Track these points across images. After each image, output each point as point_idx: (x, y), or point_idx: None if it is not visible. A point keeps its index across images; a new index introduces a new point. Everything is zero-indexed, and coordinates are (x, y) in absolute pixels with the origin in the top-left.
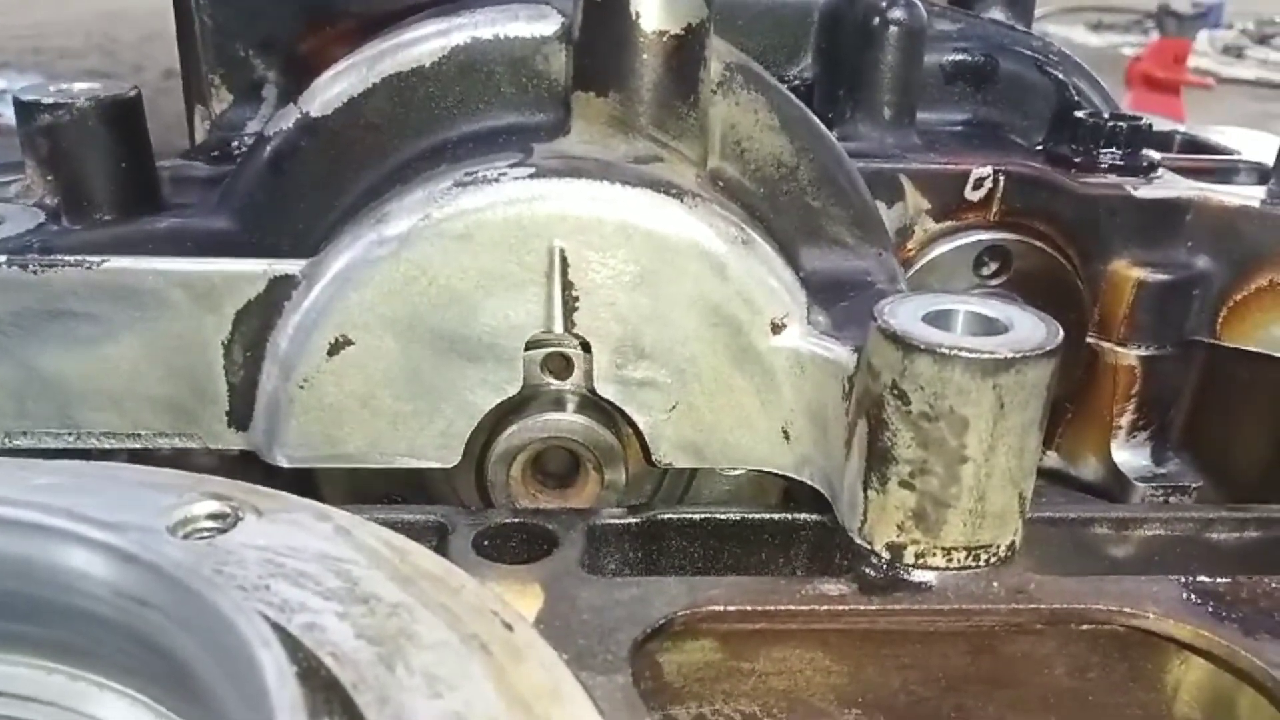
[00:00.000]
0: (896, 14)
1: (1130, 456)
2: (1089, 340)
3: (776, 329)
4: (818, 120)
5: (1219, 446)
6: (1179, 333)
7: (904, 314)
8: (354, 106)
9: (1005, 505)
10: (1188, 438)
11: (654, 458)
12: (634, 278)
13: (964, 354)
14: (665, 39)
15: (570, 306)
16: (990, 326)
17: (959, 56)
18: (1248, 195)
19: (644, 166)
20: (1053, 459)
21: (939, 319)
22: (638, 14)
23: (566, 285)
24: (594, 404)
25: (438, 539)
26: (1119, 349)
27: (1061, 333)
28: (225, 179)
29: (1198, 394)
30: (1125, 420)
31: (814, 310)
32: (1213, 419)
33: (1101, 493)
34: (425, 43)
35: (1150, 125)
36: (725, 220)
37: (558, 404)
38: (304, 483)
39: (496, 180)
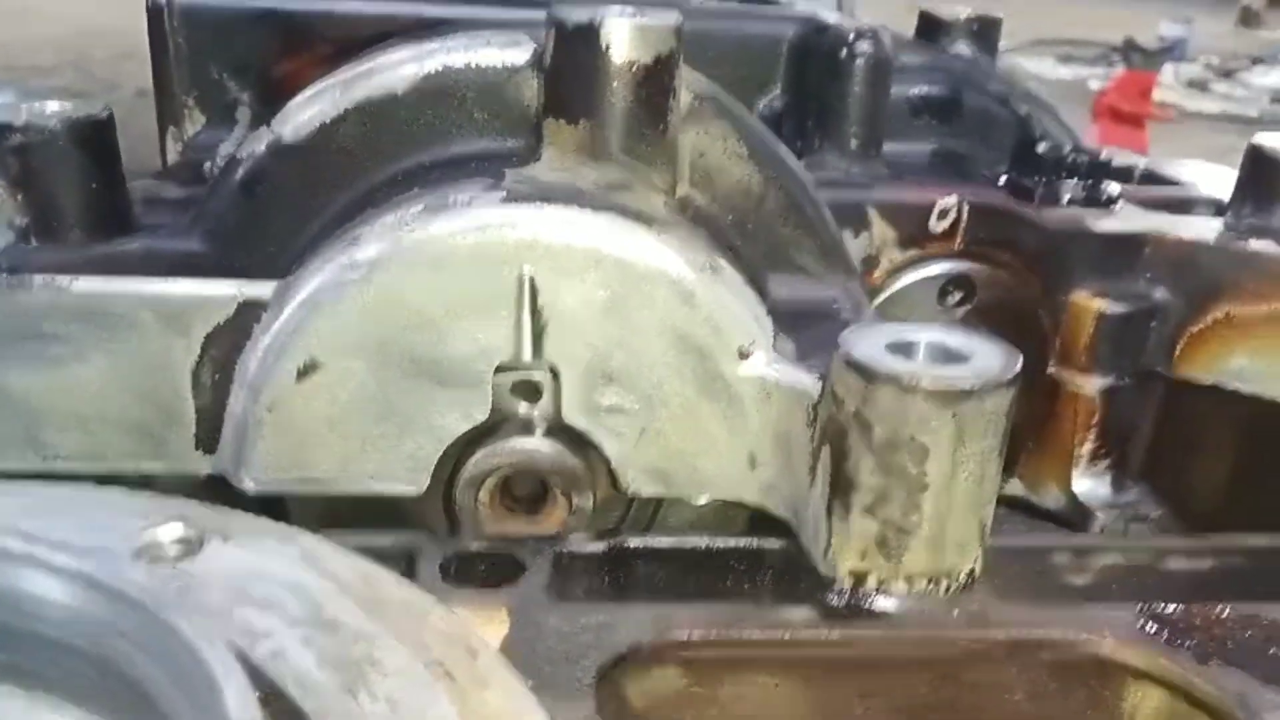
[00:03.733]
0: (863, 47)
1: (1091, 485)
2: (1050, 370)
3: (743, 356)
4: (786, 151)
5: (1179, 476)
6: (1137, 363)
7: (867, 343)
8: (327, 131)
9: (966, 533)
10: (1149, 467)
11: (621, 484)
12: (602, 304)
13: (924, 383)
14: (635, 69)
15: (539, 332)
16: (951, 356)
17: (925, 89)
18: (1205, 229)
19: (614, 193)
20: (1015, 487)
21: (901, 349)
22: (608, 45)
23: (535, 311)
24: (563, 430)
25: (405, 564)
26: (1080, 379)
27: (1020, 363)
28: (197, 200)
29: (1159, 425)
30: (1086, 449)
31: (780, 338)
32: (1173, 449)
33: (1063, 521)
34: (398, 69)
35: (1110, 159)
36: (694, 248)
37: (526, 429)
38: (273, 506)
39: (468, 205)
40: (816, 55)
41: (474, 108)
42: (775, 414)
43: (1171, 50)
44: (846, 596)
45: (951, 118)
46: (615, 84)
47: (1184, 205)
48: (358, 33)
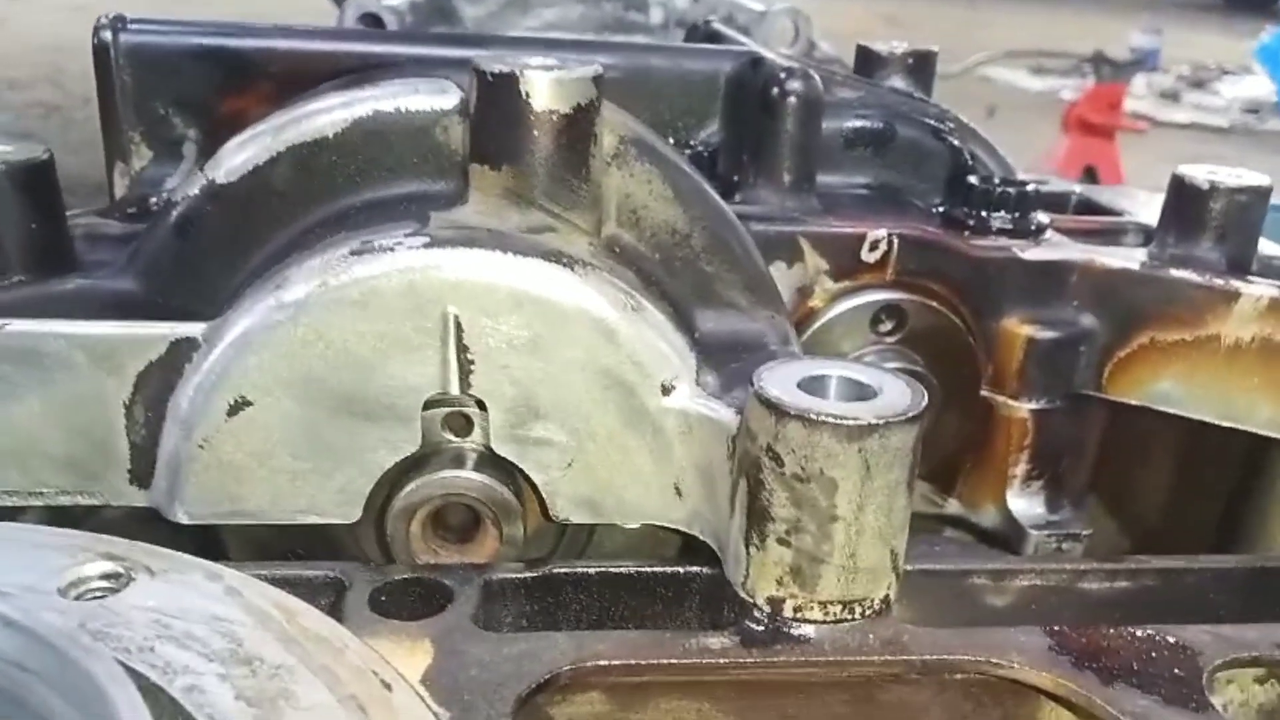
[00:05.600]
0: (794, 85)
1: (1025, 505)
2: (984, 394)
3: (666, 391)
4: (711, 190)
5: (1123, 493)
6: (1068, 387)
7: (780, 380)
8: (258, 174)
9: (877, 561)
10: (1095, 482)
11: (551, 513)
12: (527, 342)
13: (830, 420)
14: (555, 118)
15: (465, 369)
16: (861, 392)
17: (859, 123)
18: (1129, 257)
19: (537, 236)
20: (955, 506)
21: (813, 384)
22: (528, 95)
23: (461, 349)
24: (493, 461)
25: (335, 595)
26: (1012, 402)
27: (926, 399)
28: (138, 237)
29: (1103, 444)
30: (1019, 470)
31: (704, 371)
32: (1116, 467)
33: (1000, 539)
34: (329, 114)
35: (1037, 190)
36: (615, 287)
37: (457, 461)
38: (210, 538)
39: (391, 249)
40: (750, 92)
41: (403, 151)
42: (698, 446)
43: (1142, 62)
44: (765, 623)
45: (886, 150)
46: (535, 132)
47: (1114, 233)
48: (301, 70)
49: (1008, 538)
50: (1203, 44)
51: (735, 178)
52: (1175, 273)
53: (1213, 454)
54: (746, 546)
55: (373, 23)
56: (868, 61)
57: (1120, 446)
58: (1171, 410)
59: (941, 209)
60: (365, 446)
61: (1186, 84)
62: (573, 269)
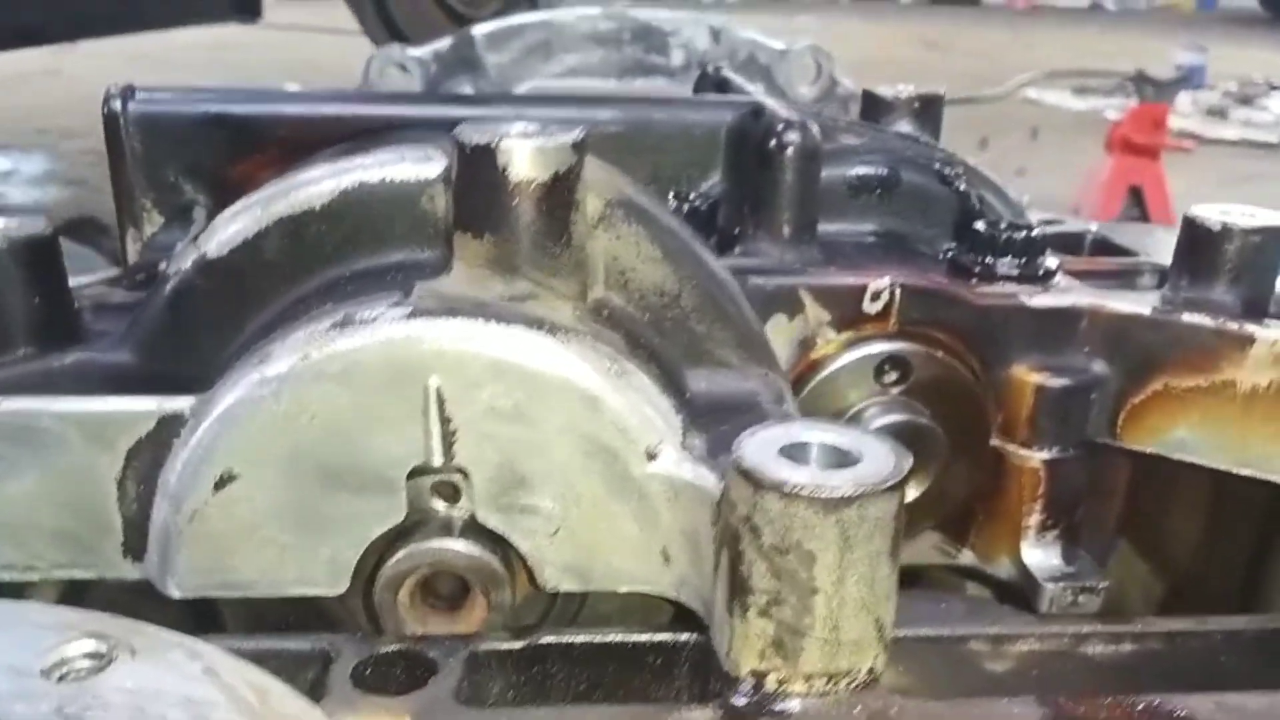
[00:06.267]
0: (791, 137)
1: (1040, 556)
2: (994, 443)
3: (651, 456)
4: (702, 247)
5: (1153, 538)
6: (1080, 435)
7: (760, 446)
8: (249, 246)
9: (861, 633)
10: (1126, 530)
11: (539, 581)
12: (509, 411)
13: (806, 492)
14: (533, 186)
15: (449, 439)
16: (842, 459)
17: (863, 170)
18: (1140, 301)
19: (519, 304)
20: (969, 557)
21: (794, 451)
22: (506, 165)
23: (444, 419)
24: (480, 529)
25: (321, 668)
26: (1023, 451)
27: (908, 465)
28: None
29: (1130, 489)
30: (1033, 521)
31: (691, 435)
32: (1146, 512)
33: (1016, 591)
34: (316, 185)
35: (1044, 234)
36: (598, 353)
37: (445, 530)
38: (206, 608)
39: (373, 321)
40: (751, 143)
41: (390, 221)
42: (684, 512)
43: (1186, 80)
44: (750, 696)
45: (891, 197)
46: (515, 201)
47: (1130, 275)
48: (307, 134)
49: (1022, 590)
50: (1249, 59)
51: (736, 230)
52: (1187, 318)
53: (1241, 500)
54: (730, 617)
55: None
56: (874, 106)
57: (1149, 491)
58: (1188, 459)
59: (949, 256)
60: (351, 517)
61: (1234, 100)
62: (555, 336)
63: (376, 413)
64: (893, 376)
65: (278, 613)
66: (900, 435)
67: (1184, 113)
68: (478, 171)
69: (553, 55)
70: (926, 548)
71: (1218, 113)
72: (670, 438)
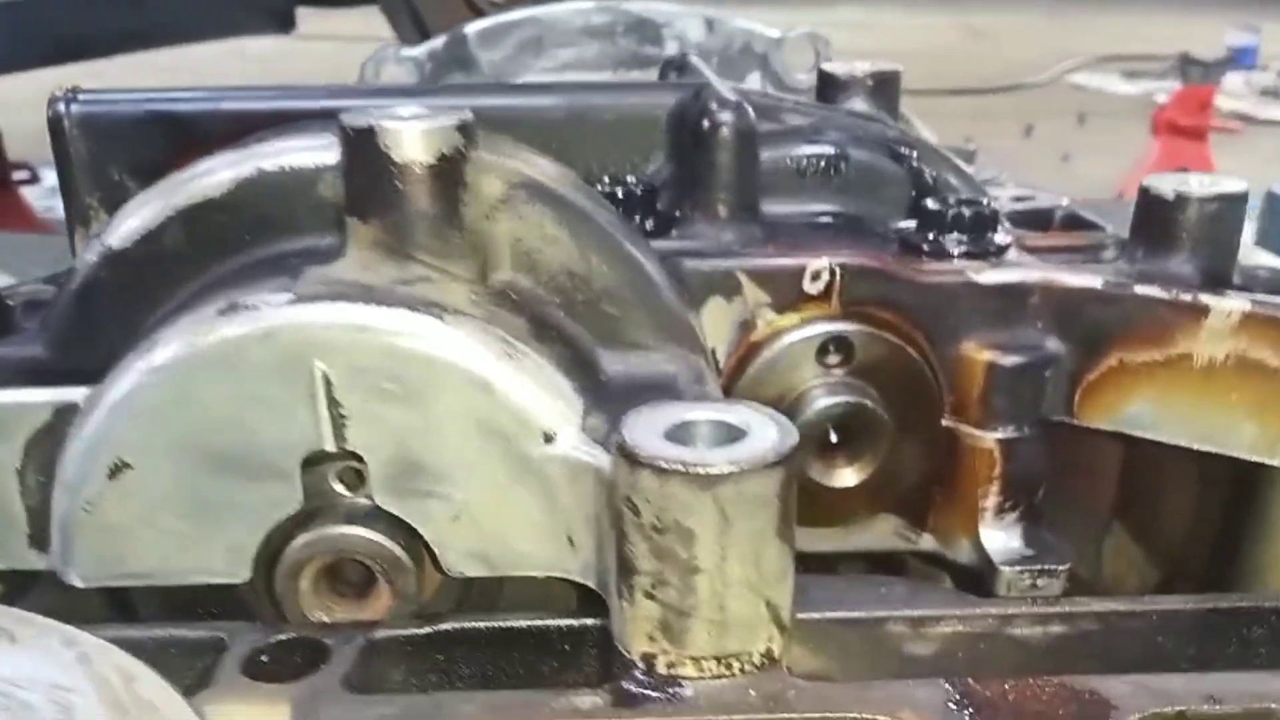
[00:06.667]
0: (724, 117)
1: (999, 539)
2: (948, 424)
3: (548, 438)
4: (621, 230)
5: (1146, 521)
6: (1035, 414)
7: (647, 425)
8: (150, 238)
9: (751, 614)
10: (1121, 512)
11: (443, 567)
12: (399, 395)
13: (681, 468)
14: (419, 169)
15: (339, 424)
16: (729, 435)
17: (811, 150)
18: (1094, 275)
19: (408, 288)
20: (929, 541)
21: (680, 430)
22: (388, 147)
23: (333, 404)
24: (383, 516)
25: (215, 656)
26: (976, 432)
27: (793, 440)
28: None
29: (1125, 468)
30: (990, 503)
31: (594, 416)
32: (1141, 491)
33: (974, 574)
34: (215, 174)
35: (994, 210)
36: (490, 335)
37: (346, 517)
38: (120, 594)
39: (256, 308)
40: (686, 126)
41: (288, 208)
42: (584, 495)
43: (1233, 61)
44: (639, 680)
45: (840, 176)
46: (402, 184)
47: (1094, 249)
48: (245, 129)
49: (982, 573)
50: None
51: (677, 212)
52: (1140, 289)
53: (1216, 476)
54: (619, 599)
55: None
56: (827, 85)
57: (1142, 471)
58: (1148, 436)
59: (899, 235)
60: (247, 505)
61: None
62: (443, 318)
63: (263, 399)
64: (836, 358)
65: (195, 602)
66: (842, 417)
67: (1236, 94)
68: (363, 155)
69: (545, 51)
70: (886, 532)
71: (1271, 93)
72: (569, 420)
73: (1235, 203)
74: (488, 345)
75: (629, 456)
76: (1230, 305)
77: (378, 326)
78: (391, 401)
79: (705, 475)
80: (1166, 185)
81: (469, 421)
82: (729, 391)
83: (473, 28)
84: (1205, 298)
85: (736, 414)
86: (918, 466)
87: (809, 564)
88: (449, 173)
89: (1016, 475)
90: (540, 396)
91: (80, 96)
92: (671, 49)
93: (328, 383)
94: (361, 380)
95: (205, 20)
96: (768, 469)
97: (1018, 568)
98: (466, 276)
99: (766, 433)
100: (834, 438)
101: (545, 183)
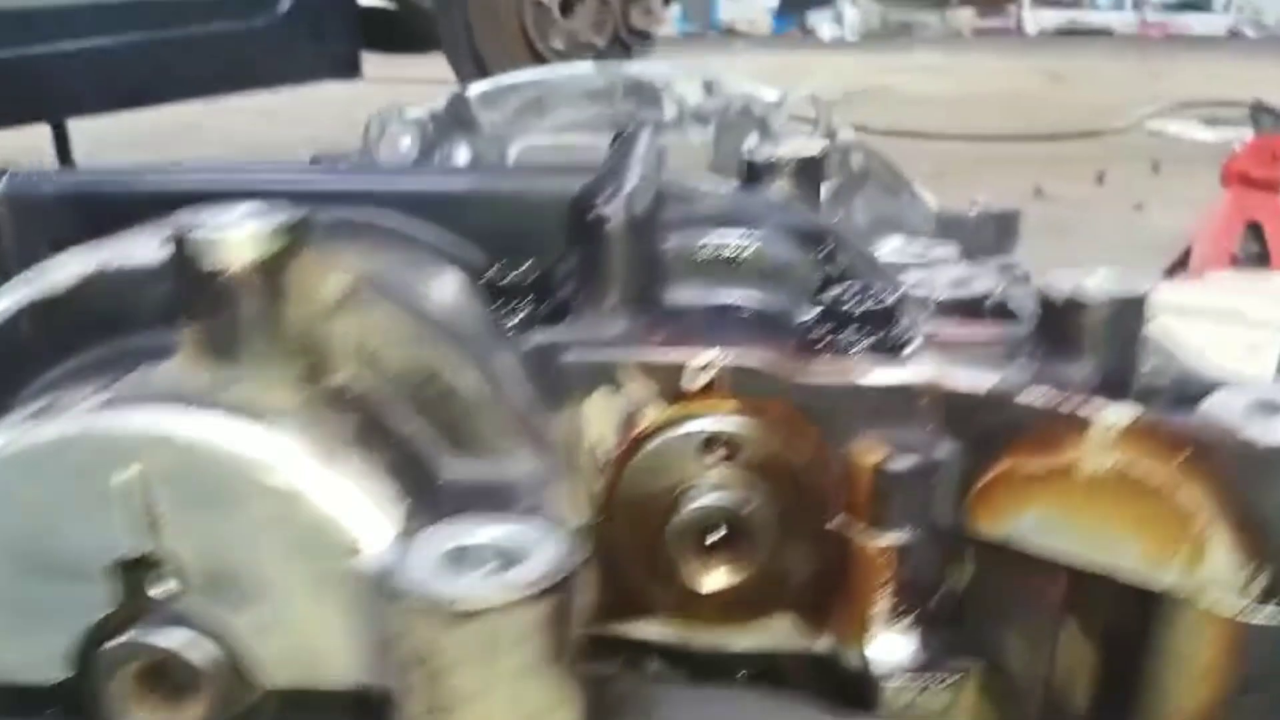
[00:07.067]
0: (611, 209)
1: (885, 648)
2: (839, 524)
3: (354, 551)
4: (466, 326)
5: (1098, 616)
6: (926, 520)
7: (423, 550)
8: (5, 329)
9: None
10: (1074, 608)
11: (256, 678)
12: (208, 502)
13: (424, 603)
14: (237, 272)
15: (153, 528)
16: (507, 559)
17: (717, 239)
18: (983, 378)
19: (225, 391)
20: (827, 644)
21: (460, 554)
22: (206, 252)
23: (146, 509)
24: (200, 621)
25: None
26: (865, 535)
27: (573, 563)
28: None
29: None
30: (881, 608)
31: (418, 524)
32: (1091, 585)
33: (865, 684)
34: (65, 268)
35: (899, 304)
36: (306, 440)
37: (163, 620)
38: None
39: (68, 411)
40: (579, 213)
41: (132, 305)
42: None
43: None
44: None
45: (747, 266)
46: (220, 287)
47: (1015, 345)
48: (165, 207)
49: (870, 683)
50: None
51: (571, 302)
52: (1024, 397)
53: None
54: None
55: None
56: (749, 171)
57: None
58: (1039, 550)
59: (801, 328)
60: (62, 606)
61: None
62: (255, 422)
63: (75, 502)
64: (719, 455)
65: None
66: (721, 517)
67: None
68: (186, 258)
69: (546, 111)
70: (783, 632)
71: None
72: (381, 531)
73: (1133, 306)
74: (301, 451)
75: (383, 586)
76: (1112, 417)
77: (184, 431)
78: (202, 508)
79: (451, 613)
80: (1060, 288)
81: (277, 530)
82: (614, 487)
83: (474, 90)
84: (1087, 408)
85: (521, 535)
86: (806, 567)
87: (704, 663)
88: (269, 277)
89: (907, 581)
90: (353, 506)
91: (14, 176)
92: (670, 111)
93: (138, 487)
94: (172, 486)
95: (274, 67)
96: (529, 601)
97: (899, 681)
98: (293, 378)
99: (543, 557)
100: (714, 537)
101: (393, 281)
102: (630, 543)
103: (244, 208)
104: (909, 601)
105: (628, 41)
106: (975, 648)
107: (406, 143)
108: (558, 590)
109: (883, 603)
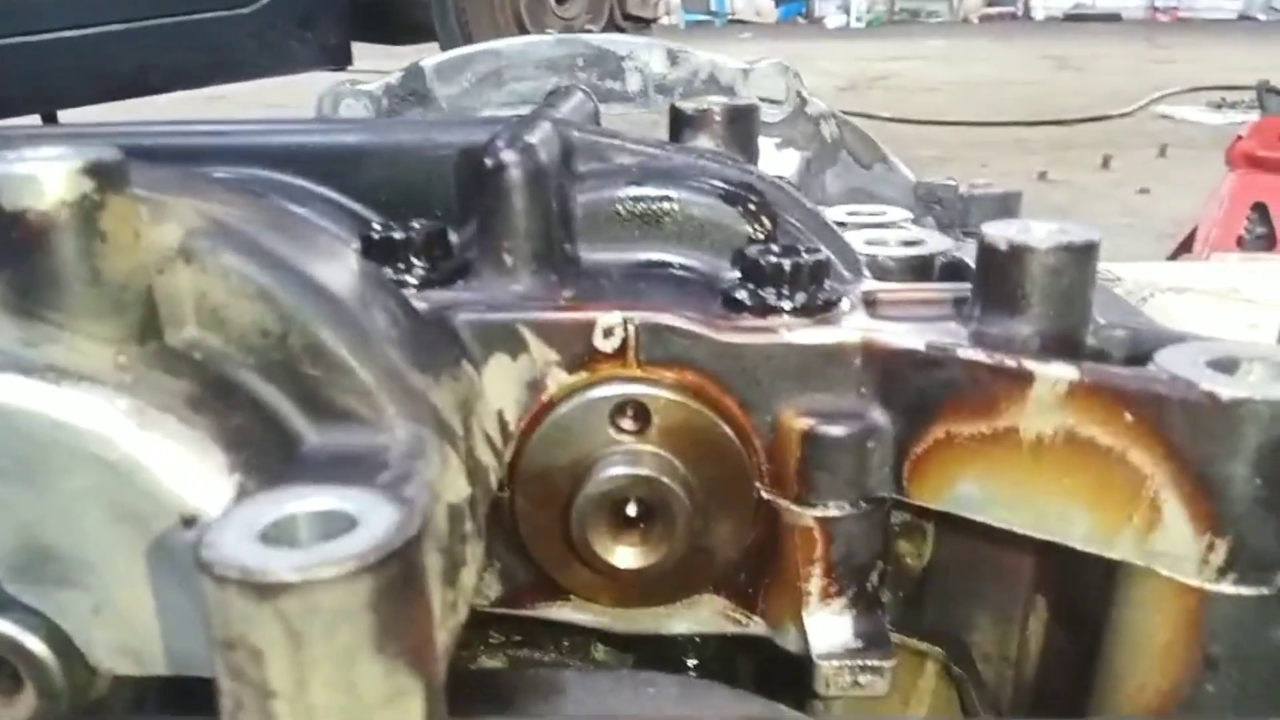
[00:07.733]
0: (507, 157)
1: (822, 628)
2: (766, 497)
3: (187, 523)
4: (333, 280)
5: (1066, 594)
6: (862, 490)
7: (244, 520)
8: None
9: None
10: (1043, 586)
11: (91, 664)
12: (15, 474)
13: (235, 574)
14: (34, 217)
15: None
16: (335, 529)
17: (635, 192)
18: (918, 336)
19: (31, 351)
20: (760, 625)
21: (281, 525)
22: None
23: None
24: (20, 606)
25: None
26: (795, 508)
27: (406, 536)
28: None
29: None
30: (814, 586)
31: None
32: (1061, 561)
33: (801, 664)
34: None
35: (823, 262)
36: (126, 405)
37: None
38: None
39: None
40: (473, 165)
41: None
42: None
43: None
44: None
45: (667, 222)
46: (14, 235)
47: (960, 302)
48: None
49: (803, 666)
50: None
51: (467, 260)
52: (963, 353)
53: None
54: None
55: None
56: (676, 122)
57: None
58: (980, 519)
59: (724, 288)
60: None
61: None
62: (62, 385)
63: None
64: (632, 424)
65: None
66: (633, 490)
67: None
68: None
69: (503, 84)
70: (712, 614)
71: None
72: (215, 501)
73: (1081, 255)
74: (120, 417)
75: (198, 559)
76: (1058, 373)
77: None
78: (9, 478)
79: (265, 584)
80: (1002, 235)
81: (98, 503)
82: (519, 457)
83: (429, 62)
84: (1030, 364)
85: (358, 501)
86: (733, 544)
87: (641, 647)
88: (83, 218)
89: (842, 557)
90: (185, 475)
91: None
92: (634, 82)
93: None
94: None
95: (264, 57)
96: (351, 576)
97: (836, 662)
98: (110, 337)
99: (374, 529)
100: (631, 512)
101: (240, 231)
102: (540, 519)
103: (54, 147)
104: (845, 579)
105: (625, 28)
106: (938, 629)
107: (360, 115)
108: (387, 565)
109: (816, 580)
